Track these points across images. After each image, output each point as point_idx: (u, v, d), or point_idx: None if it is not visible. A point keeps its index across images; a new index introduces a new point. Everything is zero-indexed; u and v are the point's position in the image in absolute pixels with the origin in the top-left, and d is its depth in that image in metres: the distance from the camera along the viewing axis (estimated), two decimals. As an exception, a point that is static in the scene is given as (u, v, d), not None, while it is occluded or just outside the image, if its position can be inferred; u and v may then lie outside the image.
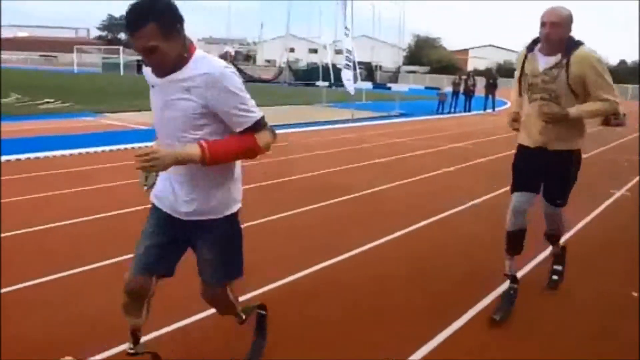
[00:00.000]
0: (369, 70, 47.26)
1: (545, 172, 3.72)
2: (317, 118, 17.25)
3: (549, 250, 4.45)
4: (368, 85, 26.41)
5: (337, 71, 28.66)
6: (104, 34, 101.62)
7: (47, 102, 18.05)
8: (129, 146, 10.05)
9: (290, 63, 51.53)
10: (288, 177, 7.95)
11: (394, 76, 51.96)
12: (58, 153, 9.04)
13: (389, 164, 9.83)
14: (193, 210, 2.40)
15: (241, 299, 3.03)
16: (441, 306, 3.78)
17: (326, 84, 26.97)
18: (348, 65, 18.17)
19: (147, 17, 2.10)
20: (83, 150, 9.35)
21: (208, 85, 2.19)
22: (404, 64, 67.56)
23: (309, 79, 38.99)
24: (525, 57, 3.70)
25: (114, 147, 9.90)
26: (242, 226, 2.58)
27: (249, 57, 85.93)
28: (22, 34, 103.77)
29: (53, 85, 28.35)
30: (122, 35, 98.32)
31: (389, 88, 25.95)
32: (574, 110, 3.50)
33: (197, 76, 2.19)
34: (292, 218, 5.87)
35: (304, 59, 61.34)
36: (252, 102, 2.30)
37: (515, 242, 3.80)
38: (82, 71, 51.63)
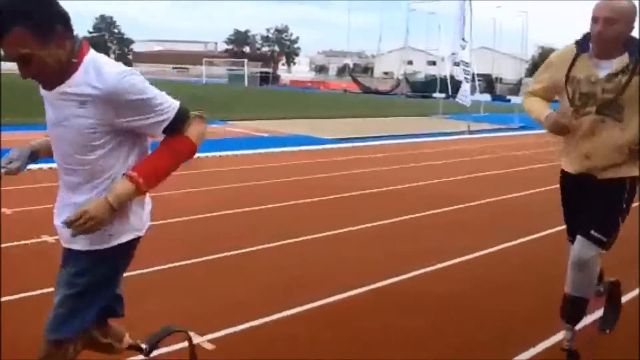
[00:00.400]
0: (488, 82, 46.17)
1: (590, 204, 2.96)
2: (432, 129, 17.19)
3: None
4: (486, 97, 25.84)
5: (456, 83, 28.31)
6: (230, 47, 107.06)
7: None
8: (250, 152, 10.73)
9: (408, 75, 51.50)
10: (399, 185, 8.09)
11: (515, 88, 50.17)
12: (203, 155, 9.82)
13: (504, 175, 9.64)
14: (76, 238, 1.95)
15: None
16: (548, 314, 3.76)
17: (443, 95, 26.73)
18: (465, 77, 18.01)
19: (13, 20, 1.71)
20: (209, 154, 10.07)
21: (106, 100, 1.83)
22: (527, 76, 64.98)
23: (426, 90, 38.79)
24: (577, 55, 2.89)
25: (238, 152, 10.59)
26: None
27: (367, 69, 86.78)
28: (159, 47, 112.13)
29: (184, 94, 30.41)
30: (247, 49, 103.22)
31: (509, 100, 25.23)
32: None
33: (91, 88, 1.82)
34: (397, 225, 6.00)
35: (422, 71, 60.91)
36: (163, 95, 1.94)
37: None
38: (210, 82, 54.85)
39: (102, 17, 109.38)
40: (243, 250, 4.76)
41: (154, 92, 1.91)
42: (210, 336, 3.18)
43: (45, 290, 3.67)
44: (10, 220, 5.36)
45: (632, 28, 2.76)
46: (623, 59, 2.78)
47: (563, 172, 3.10)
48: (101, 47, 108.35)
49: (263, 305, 3.64)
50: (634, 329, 3.45)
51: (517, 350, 3.20)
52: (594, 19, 2.76)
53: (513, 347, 3.24)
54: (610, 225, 2.89)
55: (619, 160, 2.85)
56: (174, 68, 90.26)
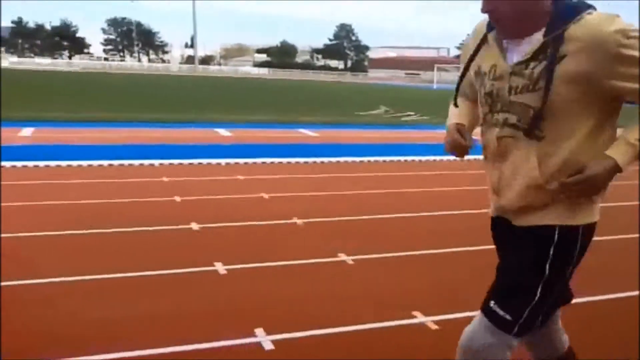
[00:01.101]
0: None
1: (502, 263, 2.01)
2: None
3: None
4: None
5: None
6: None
7: (409, 115, 20.22)
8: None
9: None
10: None
11: None
12: (424, 158, 10.35)
13: None
14: None
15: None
16: None
17: None
18: None
19: None
20: (437, 158, 10.46)
21: None
22: None
23: None
24: (484, 39, 1.88)
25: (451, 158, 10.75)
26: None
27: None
28: (392, 54, 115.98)
29: (414, 100, 31.36)
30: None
31: None
32: (623, 151, 1.69)
33: None
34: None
35: None
36: None
37: None
38: (440, 88, 55.15)
39: (342, 25, 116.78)
40: (473, 248, 5.05)
41: None
42: (434, 318, 3.57)
43: (292, 262, 4.45)
44: (266, 203, 6.41)
45: None
46: (539, 37, 1.71)
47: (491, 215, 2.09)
48: (340, 53, 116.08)
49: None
50: None
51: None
52: None
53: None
54: (521, 298, 1.82)
55: (537, 200, 1.79)
56: (406, 74, 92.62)
